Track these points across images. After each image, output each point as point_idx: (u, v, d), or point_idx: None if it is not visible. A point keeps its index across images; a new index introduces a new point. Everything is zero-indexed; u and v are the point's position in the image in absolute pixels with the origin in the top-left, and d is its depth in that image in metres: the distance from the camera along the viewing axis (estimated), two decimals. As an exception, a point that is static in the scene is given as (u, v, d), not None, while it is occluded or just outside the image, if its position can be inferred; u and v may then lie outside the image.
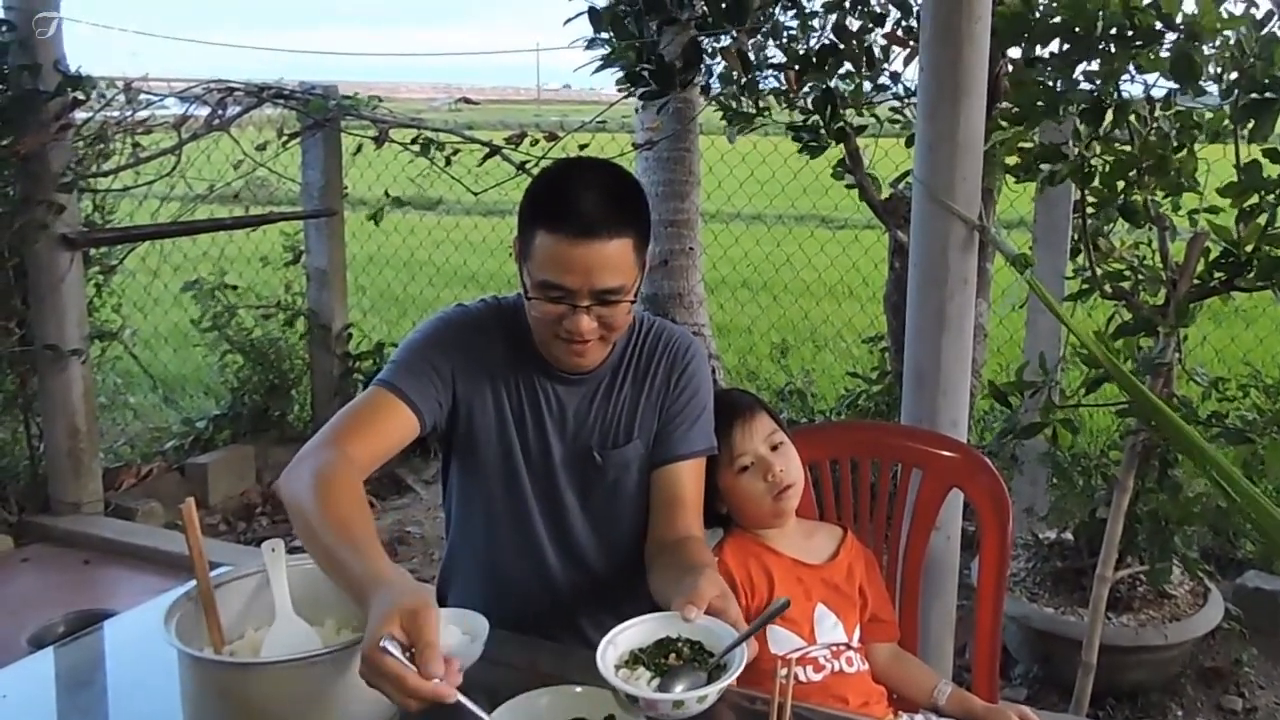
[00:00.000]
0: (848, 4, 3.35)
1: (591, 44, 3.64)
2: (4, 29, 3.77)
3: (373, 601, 1.26)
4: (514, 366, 1.80)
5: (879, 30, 3.36)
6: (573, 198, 1.61)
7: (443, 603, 1.94)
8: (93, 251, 4.26)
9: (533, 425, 1.80)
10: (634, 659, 1.39)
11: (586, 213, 1.60)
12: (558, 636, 1.79)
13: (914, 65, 3.20)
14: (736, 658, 1.34)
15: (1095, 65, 2.41)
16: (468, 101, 6.25)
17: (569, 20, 3.64)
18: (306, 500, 1.51)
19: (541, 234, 1.61)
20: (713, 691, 1.31)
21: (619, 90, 3.73)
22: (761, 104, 3.49)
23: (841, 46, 3.31)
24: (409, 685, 1.19)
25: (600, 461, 1.81)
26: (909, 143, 3.19)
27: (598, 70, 3.63)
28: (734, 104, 3.48)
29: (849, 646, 1.82)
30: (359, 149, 4.66)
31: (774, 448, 1.86)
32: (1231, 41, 2.27)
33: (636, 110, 4.72)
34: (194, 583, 1.41)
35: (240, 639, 1.45)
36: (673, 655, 1.39)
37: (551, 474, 1.82)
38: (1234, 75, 2.28)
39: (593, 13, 3.52)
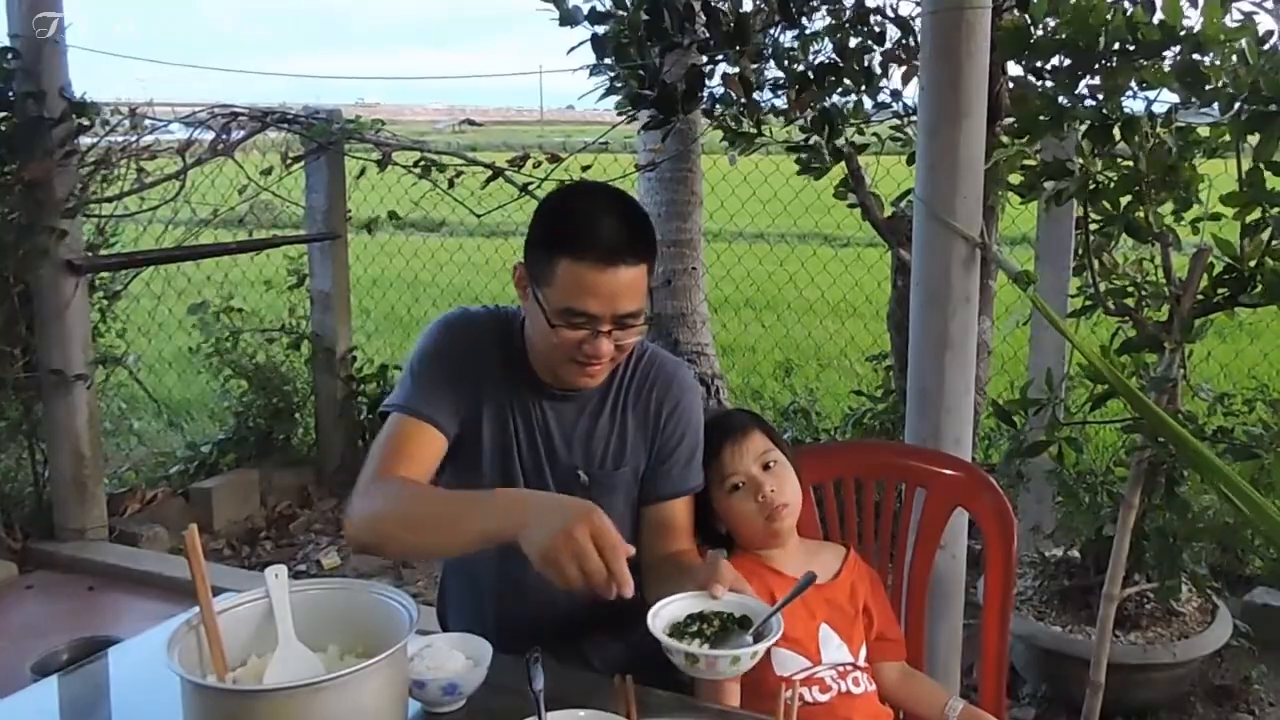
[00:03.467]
0: (848, 23, 3.37)
1: (595, 70, 3.66)
2: (9, 56, 3.80)
3: (539, 508, 1.47)
4: (509, 382, 1.80)
5: (879, 49, 3.37)
6: (597, 225, 1.64)
7: (442, 626, 1.95)
8: (97, 276, 4.27)
9: (527, 444, 1.81)
10: (676, 629, 1.49)
11: (612, 240, 1.63)
12: (559, 659, 1.78)
13: (914, 83, 3.22)
14: (774, 624, 1.47)
15: (1097, 80, 2.41)
16: (471, 123, 6.28)
17: (572, 49, 3.66)
18: (392, 508, 1.62)
19: (565, 262, 1.62)
20: (761, 649, 1.43)
21: (619, 113, 3.75)
22: (762, 124, 3.50)
23: (841, 65, 3.32)
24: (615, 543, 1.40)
25: (585, 481, 1.81)
26: (910, 160, 3.20)
27: (602, 98, 3.65)
28: (734, 125, 3.49)
29: (855, 666, 1.81)
30: (362, 172, 4.68)
31: (766, 467, 1.84)
32: (1234, 58, 2.27)
33: (639, 131, 4.73)
34: (197, 609, 1.40)
35: (243, 666, 1.44)
36: (713, 624, 1.50)
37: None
38: (1240, 90, 2.28)
39: (595, 39, 3.54)
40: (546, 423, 1.81)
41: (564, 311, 1.64)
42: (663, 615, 1.49)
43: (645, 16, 3.39)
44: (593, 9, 3.54)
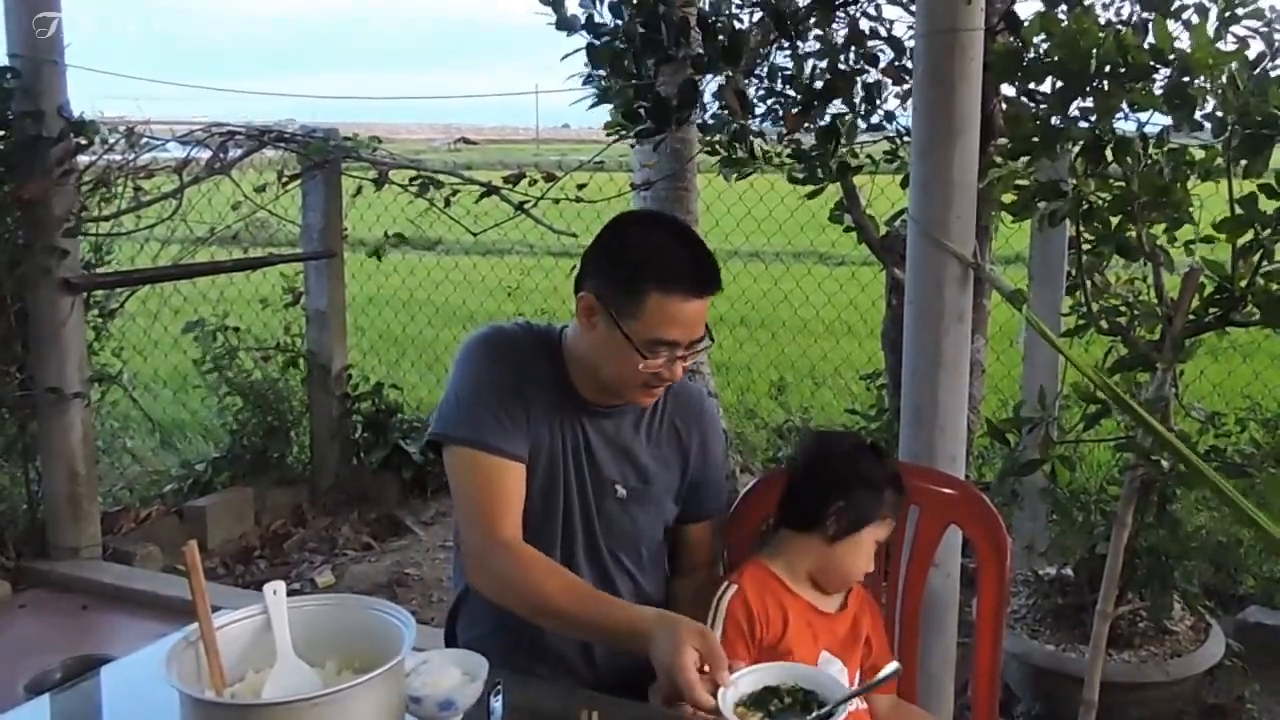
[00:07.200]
0: (842, 44, 3.39)
1: (588, 80, 3.68)
2: (8, 76, 3.81)
3: (659, 631, 1.58)
4: (554, 399, 1.85)
5: (873, 70, 3.40)
6: (686, 258, 1.73)
7: (451, 641, 1.95)
8: (92, 295, 4.27)
9: (573, 459, 1.86)
10: (752, 699, 1.54)
11: (700, 271, 1.73)
12: (574, 675, 1.80)
13: (908, 103, 3.24)
14: (840, 706, 1.51)
15: (1090, 102, 2.44)
16: (467, 141, 6.31)
17: (566, 56, 3.67)
18: (530, 596, 1.73)
19: (656, 295, 1.70)
20: None
21: (607, 132, 3.77)
22: (758, 148, 3.51)
23: (837, 84, 3.34)
24: (697, 694, 1.49)
25: (623, 495, 1.87)
26: (904, 183, 3.22)
27: (593, 105, 3.66)
28: (729, 151, 3.51)
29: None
30: (359, 190, 4.69)
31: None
32: (1224, 79, 2.30)
33: (633, 149, 4.75)
34: (194, 625, 1.41)
35: (241, 681, 1.44)
36: (783, 701, 1.54)
37: (587, 510, 1.87)
38: (1228, 112, 2.30)
39: (590, 49, 3.55)
40: (588, 438, 1.86)
41: (653, 342, 1.72)
42: (741, 684, 1.54)
43: (641, 29, 3.41)
44: (590, 17, 3.56)
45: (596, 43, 3.54)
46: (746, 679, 1.55)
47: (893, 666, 1.65)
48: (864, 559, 1.85)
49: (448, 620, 2.02)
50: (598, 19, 3.55)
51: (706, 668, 1.53)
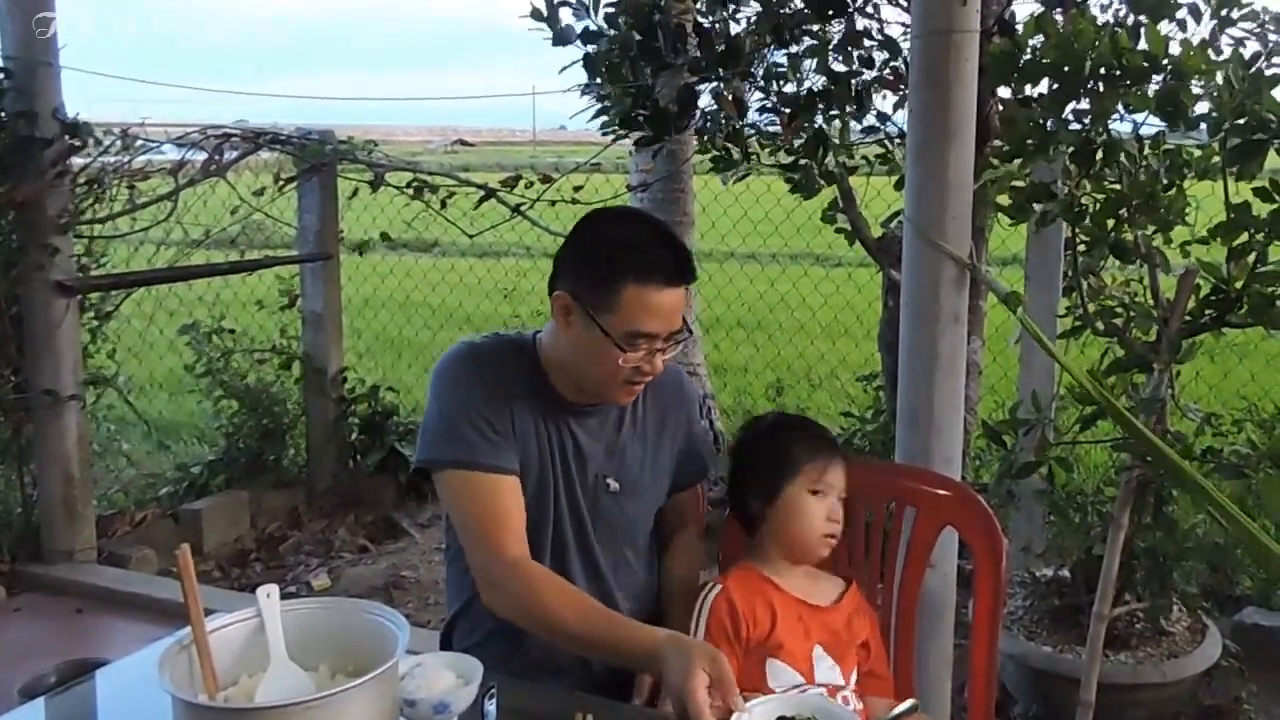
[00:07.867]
0: (837, 47, 3.39)
1: (587, 90, 3.68)
2: (2, 76, 3.80)
3: (671, 653, 1.57)
4: (536, 403, 1.84)
5: (868, 72, 3.40)
6: (659, 248, 1.72)
7: (448, 647, 1.95)
8: (87, 297, 4.26)
9: (560, 460, 1.85)
10: None
11: (674, 261, 1.72)
12: (569, 680, 1.79)
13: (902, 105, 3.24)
14: None
15: (1085, 104, 2.44)
16: (464, 143, 6.30)
17: (565, 68, 3.68)
18: (541, 616, 1.73)
19: (632, 286, 1.69)
20: None
21: (604, 133, 3.77)
22: (750, 149, 3.51)
23: (832, 88, 3.34)
24: (705, 718, 1.48)
25: (616, 488, 1.88)
26: (898, 185, 3.23)
27: (593, 118, 3.66)
28: (724, 152, 3.51)
29: (844, 689, 1.82)
30: (355, 193, 4.68)
31: (841, 499, 1.90)
32: (1220, 81, 2.30)
33: (631, 152, 4.75)
34: (188, 629, 1.40)
35: (234, 685, 1.44)
36: None
37: (578, 510, 1.87)
38: (1223, 116, 2.30)
39: (588, 59, 3.56)
40: (576, 438, 1.86)
41: (631, 335, 1.71)
42: (755, 713, 1.52)
43: (638, 36, 3.41)
44: (585, 28, 3.56)
45: (592, 53, 3.54)
46: (761, 707, 1.52)
47: (909, 703, 1.64)
48: (809, 515, 1.85)
49: (443, 634, 2.01)
50: (593, 28, 3.55)
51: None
